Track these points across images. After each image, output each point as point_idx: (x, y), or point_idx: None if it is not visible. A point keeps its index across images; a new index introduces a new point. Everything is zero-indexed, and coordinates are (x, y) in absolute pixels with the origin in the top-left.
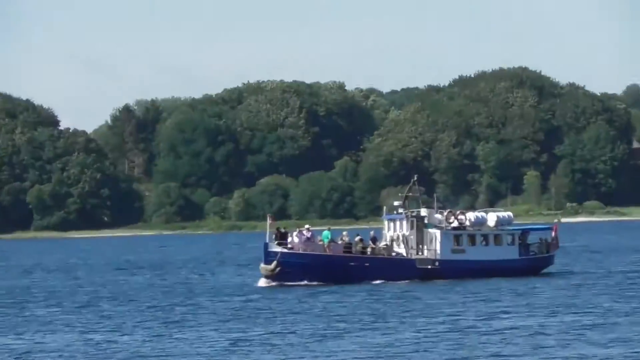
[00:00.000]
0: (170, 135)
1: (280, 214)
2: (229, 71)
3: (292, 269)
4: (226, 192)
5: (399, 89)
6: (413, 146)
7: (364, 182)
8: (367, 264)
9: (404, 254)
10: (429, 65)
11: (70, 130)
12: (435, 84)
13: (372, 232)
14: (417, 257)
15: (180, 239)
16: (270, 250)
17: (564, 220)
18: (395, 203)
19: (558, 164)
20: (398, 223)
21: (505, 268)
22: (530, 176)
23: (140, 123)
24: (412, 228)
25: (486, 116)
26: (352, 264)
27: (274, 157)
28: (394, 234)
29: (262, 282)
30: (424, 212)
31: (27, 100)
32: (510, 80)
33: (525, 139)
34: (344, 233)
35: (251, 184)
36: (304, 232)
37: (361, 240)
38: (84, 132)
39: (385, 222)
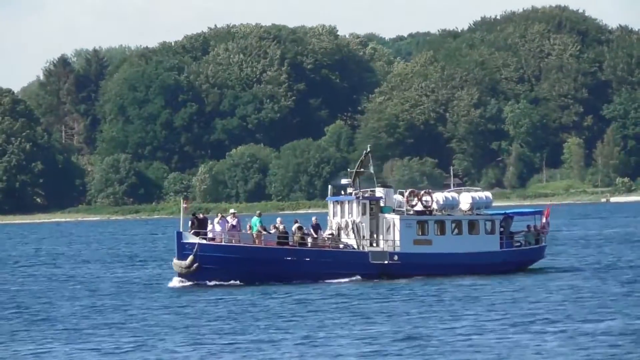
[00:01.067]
0: (117, 94)
1: (258, 194)
2: (190, 13)
3: (212, 265)
4: (189, 166)
5: (405, 35)
6: (424, 106)
7: (362, 152)
8: (308, 258)
9: (354, 246)
10: (442, 4)
11: None
12: (451, 28)
13: (314, 219)
14: (371, 249)
15: (129, 224)
16: (184, 241)
17: (613, 199)
18: (343, 181)
19: (606, 129)
20: (347, 206)
21: (483, 263)
22: (572, 144)
23: (79, 79)
24: (364, 213)
25: (516, 69)
26: (289, 258)
27: (248, 121)
28: (341, 220)
29: (175, 282)
30: (379, 192)
31: None
32: (545, 23)
33: (565, 97)
34: (278, 220)
35: (220, 156)
36: (229, 218)
37: (300, 228)
38: (9, 90)
39: (331, 205)
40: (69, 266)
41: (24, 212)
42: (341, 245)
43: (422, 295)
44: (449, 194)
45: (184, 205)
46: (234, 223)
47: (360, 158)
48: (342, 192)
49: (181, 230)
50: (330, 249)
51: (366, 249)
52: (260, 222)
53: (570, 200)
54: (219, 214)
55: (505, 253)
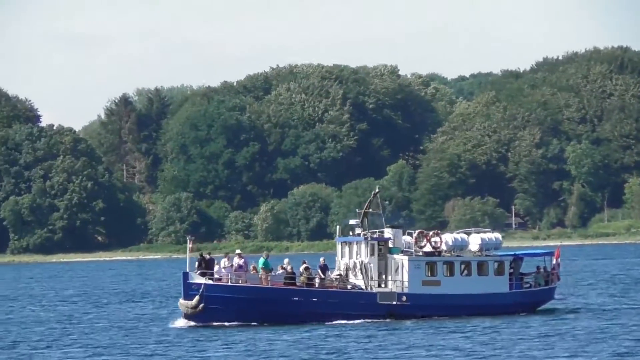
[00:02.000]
0: (179, 133)
1: (320, 233)
2: (253, 52)
3: (219, 305)
4: (251, 205)
5: (467, 75)
6: (486, 146)
7: (424, 191)
8: (315, 299)
9: (362, 287)
10: (504, 44)
11: (54, 128)
12: (513, 69)
13: (322, 259)
14: (379, 290)
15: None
16: (191, 281)
17: None
18: (352, 222)
19: None
20: (355, 247)
21: (492, 304)
22: (633, 184)
23: (141, 118)
24: (372, 254)
25: (578, 109)
26: (296, 298)
27: (310, 160)
28: (349, 261)
29: (181, 322)
30: (388, 233)
31: None
32: (607, 64)
33: (627, 137)
34: (286, 261)
35: (282, 195)
36: (235, 258)
37: (307, 268)
38: (70, 129)
39: (339, 246)
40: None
41: (85, 250)
42: (349, 286)
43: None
44: (458, 235)
45: (190, 245)
46: (241, 263)
47: (369, 199)
48: (351, 233)
49: (187, 271)
50: (338, 289)
51: (374, 290)
52: (267, 263)
53: (631, 240)
54: (226, 254)
55: (514, 294)
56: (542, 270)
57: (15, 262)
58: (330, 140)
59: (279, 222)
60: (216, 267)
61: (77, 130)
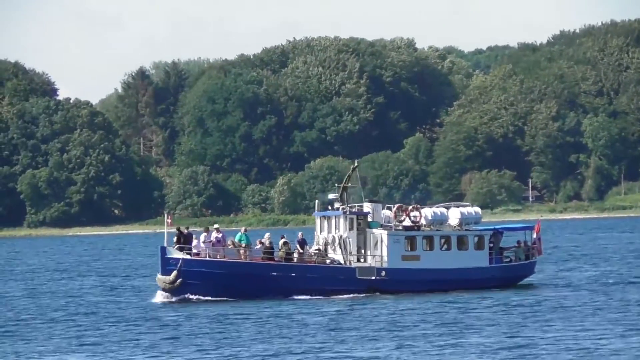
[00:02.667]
0: (196, 107)
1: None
2: (270, 25)
3: (197, 280)
4: (268, 178)
5: (483, 48)
6: (502, 119)
7: (440, 164)
8: (294, 274)
9: (341, 261)
10: (521, 17)
11: (71, 101)
12: (530, 42)
13: (300, 234)
14: (358, 265)
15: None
16: (168, 256)
17: None
18: (330, 196)
19: None
20: (334, 222)
21: (472, 279)
22: None
23: (158, 91)
24: (351, 228)
25: (594, 82)
26: (274, 273)
27: (327, 133)
28: (328, 235)
29: (159, 297)
30: (367, 207)
31: (16, 64)
32: (624, 37)
33: None
34: (266, 235)
35: (299, 168)
36: (213, 233)
37: (286, 243)
38: (87, 103)
39: (318, 221)
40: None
41: (102, 224)
42: (328, 261)
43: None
44: (438, 209)
45: (168, 220)
46: (219, 238)
47: (348, 173)
48: (330, 207)
49: (165, 245)
50: (317, 264)
51: (353, 265)
52: (246, 238)
53: None
54: (206, 229)
55: (494, 269)
56: (522, 244)
57: (32, 236)
58: (347, 113)
59: (296, 195)
60: (194, 242)
61: (94, 103)
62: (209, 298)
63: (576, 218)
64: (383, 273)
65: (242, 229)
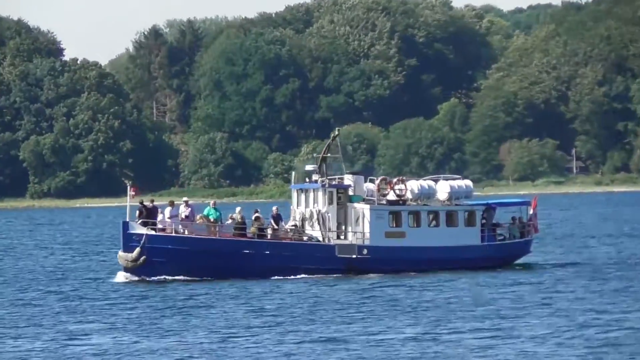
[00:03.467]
0: (213, 69)
1: (365, 177)
2: None
3: (162, 258)
4: (291, 146)
5: (524, 7)
6: (544, 84)
7: (477, 132)
8: (267, 252)
9: (320, 238)
10: None
11: (78, 62)
12: (574, 0)
13: (274, 208)
14: (338, 242)
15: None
16: (131, 232)
17: None
18: (308, 167)
19: None
20: (312, 195)
21: (462, 258)
22: None
23: (173, 52)
24: (330, 202)
25: None
26: (246, 251)
27: (355, 98)
28: (305, 210)
29: (120, 277)
30: (348, 180)
31: (19, 21)
32: None
33: None
34: (237, 209)
35: (324, 136)
36: (181, 206)
37: (258, 218)
38: (96, 64)
39: (294, 194)
40: None
41: (112, 195)
42: (305, 238)
43: None
44: (425, 182)
45: (132, 193)
46: (187, 212)
47: (327, 142)
48: (307, 180)
49: (127, 220)
50: (292, 241)
51: (332, 242)
52: (216, 213)
53: None
54: (171, 202)
55: (486, 247)
56: (517, 221)
57: (35, 207)
58: (376, 76)
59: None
60: (160, 217)
61: (103, 64)
62: (174, 277)
63: (624, 191)
64: (365, 251)
65: (211, 202)
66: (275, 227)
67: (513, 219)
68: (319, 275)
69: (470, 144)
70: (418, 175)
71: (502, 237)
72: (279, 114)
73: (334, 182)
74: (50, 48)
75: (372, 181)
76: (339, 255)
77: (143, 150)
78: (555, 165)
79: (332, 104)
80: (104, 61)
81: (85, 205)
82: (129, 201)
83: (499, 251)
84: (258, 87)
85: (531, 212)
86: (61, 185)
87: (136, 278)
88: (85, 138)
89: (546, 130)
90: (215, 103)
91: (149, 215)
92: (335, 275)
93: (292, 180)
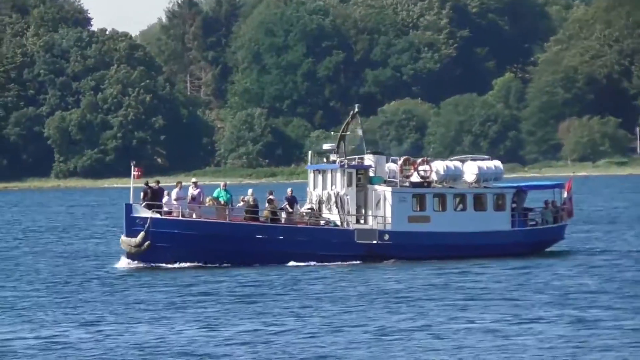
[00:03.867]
0: (252, 40)
1: (414, 156)
2: None
3: (167, 243)
4: (334, 123)
5: None
6: (606, 58)
7: (534, 109)
8: (281, 237)
9: (338, 223)
10: None
11: (107, 33)
12: None
13: (289, 190)
14: (357, 227)
15: (262, 189)
16: (135, 215)
17: None
18: (326, 146)
19: None
20: (329, 176)
21: (491, 244)
22: None
23: (208, 21)
24: (349, 184)
25: None
26: (259, 236)
27: (403, 72)
28: (322, 192)
29: (123, 263)
30: (368, 160)
31: None
32: None
33: None
34: (250, 191)
35: (371, 112)
36: (190, 188)
37: (271, 201)
38: (126, 34)
39: (311, 175)
40: None
41: (142, 174)
42: (322, 222)
43: None
44: (452, 163)
45: (135, 173)
46: (195, 194)
47: (347, 119)
48: (325, 160)
49: (131, 202)
50: (309, 225)
51: (351, 227)
52: (226, 195)
53: None
54: (178, 183)
55: (517, 233)
56: (550, 205)
57: (60, 187)
58: (426, 49)
59: (367, 143)
60: (165, 199)
61: (133, 35)
62: (181, 264)
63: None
64: (386, 236)
65: (222, 183)
66: (290, 210)
67: (546, 202)
68: (338, 263)
69: (527, 122)
70: (471, 155)
71: (533, 222)
72: (321, 89)
73: (353, 163)
74: (77, 17)
75: (394, 162)
76: (358, 241)
77: (176, 126)
78: (617, 144)
79: (378, 78)
80: (134, 32)
81: (114, 185)
82: (134, 182)
83: (530, 237)
84: (299, 59)
85: (565, 195)
86: (88, 164)
87: (141, 265)
88: (115, 114)
89: (608, 107)
90: (254, 77)
91: (154, 197)
92: (354, 262)
93: (309, 160)
